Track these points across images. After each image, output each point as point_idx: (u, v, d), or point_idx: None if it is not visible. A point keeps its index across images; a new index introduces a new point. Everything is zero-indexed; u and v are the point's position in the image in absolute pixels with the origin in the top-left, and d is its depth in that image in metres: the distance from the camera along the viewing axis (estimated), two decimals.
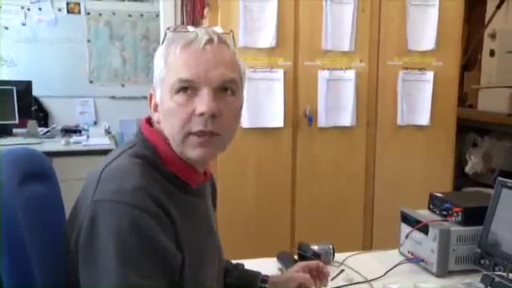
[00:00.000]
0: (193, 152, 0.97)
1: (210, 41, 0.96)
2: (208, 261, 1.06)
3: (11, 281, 0.89)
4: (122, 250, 0.84)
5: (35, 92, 4.26)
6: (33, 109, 4.20)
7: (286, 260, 1.52)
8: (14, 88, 3.92)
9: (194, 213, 1.04)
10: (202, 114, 0.94)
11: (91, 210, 0.88)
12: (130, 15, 4.86)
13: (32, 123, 3.99)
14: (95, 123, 4.72)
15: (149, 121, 1.05)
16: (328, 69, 2.61)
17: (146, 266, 0.85)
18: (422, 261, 1.50)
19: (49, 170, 1.15)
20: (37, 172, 1.10)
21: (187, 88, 0.95)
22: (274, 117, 2.56)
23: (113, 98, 4.89)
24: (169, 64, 0.97)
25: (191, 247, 0.97)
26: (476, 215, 1.44)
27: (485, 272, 1.35)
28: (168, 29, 1.01)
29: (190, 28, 1.00)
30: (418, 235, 1.53)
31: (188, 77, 0.94)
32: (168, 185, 0.97)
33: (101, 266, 0.85)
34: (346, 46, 2.63)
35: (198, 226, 1.04)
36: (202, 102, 0.94)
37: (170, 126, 0.97)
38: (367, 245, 2.76)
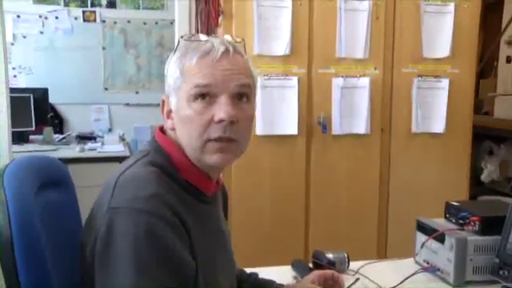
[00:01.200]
0: (211, 158, 0.98)
1: (226, 51, 0.97)
2: (221, 270, 1.06)
3: (29, 285, 0.90)
4: (137, 256, 0.85)
5: (51, 99, 4.31)
6: (49, 116, 4.25)
7: (300, 268, 1.52)
8: (31, 95, 3.97)
9: (208, 221, 1.04)
10: (220, 121, 0.95)
11: (108, 217, 0.88)
12: (144, 23, 4.90)
13: (48, 130, 4.04)
14: (110, 130, 4.76)
15: (162, 129, 1.06)
16: (342, 76, 2.61)
17: (160, 273, 0.86)
18: (439, 270, 1.48)
19: (67, 178, 1.16)
20: (55, 180, 1.11)
21: (205, 95, 0.96)
22: (288, 124, 2.56)
23: (127, 105, 4.92)
24: (185, 73, 0.98)
25: (205, 256, 0.97)
26: (494, 224, 1.41)
27: (504, 283, 1.32)
28: (181, 37, 1.02)
29: (204, 37, 1.01)
30: (434, 244, 1.51)
31: (205, 82, 0.95)
32: (182, 193, 0.97)
33: (116, 272, 0.85)
34: (360, 53, 2.62)
35: (212, 235, 1.05)
36: (221, 109, 0.95)
37: (187, 133, 0.98)
38: (382, 253, 2.74)
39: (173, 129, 1.02)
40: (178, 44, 1.02)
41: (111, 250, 0.87)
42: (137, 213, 0.87)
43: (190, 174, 1.00)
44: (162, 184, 0.93)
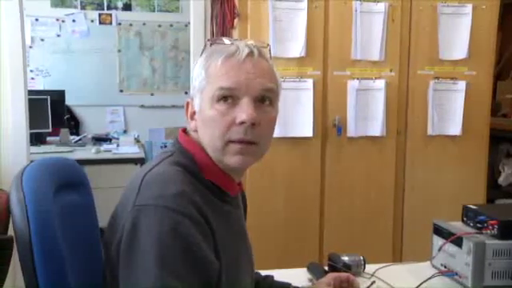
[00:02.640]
0: (232, 159, 0.99)
1: (250, 53, 0.98)
2: (243, 270, 1.07)
3: (47, 284, 0.91)
4: (161, 253, 0.85)
5: (67, 101, 4.37)
6: (65, 117, 4.30)
7: (316, 271, 1.51)
8: (48, 97, 4.03)
9: (231, 222, 1.05)
10: (242, 123, 0.96)
11: (133, 214, 0.89)
12: (159, 25, 4.94)
13: (64, 131, 4.08)
14: (125, 132, 4.79)
15: (186, 130, 1.07)
16: (357, 78, 2.60)
17: (183, 270, 0.86)
18: (456, 274, 1.46)
19: (84, 180, 1.18)
20: (72, 181, 1.13)
21: (228, 97, 0.97)
22: (303, 126, 2.55)
23: (142, 106, 4.96)
24: (209, 74, 0.99)
25: (228, 256, 0.97)
26: None
27: None
28: (208, 40, 1.05)
29: (229, 40, 1.02)
30: (451, 248, 1.49)
31: (229, 85, 0.96)
32: (207, 193, 0.98)
33: (140, 268, 0.86)
34: (375, 55, 2.61)
35: (234, 236, 1.05)
36: (243, 111, 0.96)
37: (209, 134, 0.99)
38: (397, 256, 2.72)
39: (196, 130, 1.03)
40: (204, 47, 1.04)
41: (136, 246, 0.87)
42: (162, 210, 0.87)
43: (214, 174, 1.01)
44: (188, 183, 0.94)
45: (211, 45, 1.04)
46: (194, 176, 0.98)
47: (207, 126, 0.99)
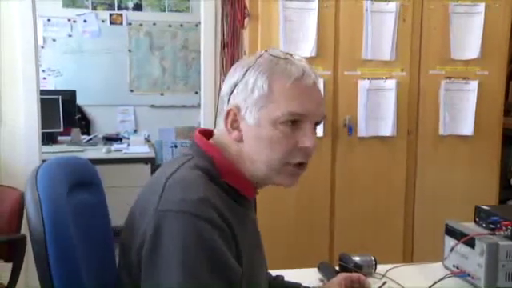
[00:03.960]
0: (286, 180, 1.01)
1: (317, 78, 1.01)
2: (260, 273, 1.07)
3: (61, 283, 0.92)
4: (184, 259, 0.85)
5: (78, 101, 4.40)
6: (76, 117, 4.33)
7: (327, 271, 1.51)
8: (60, 97, 4.06)
9: (248, 225, 1.05)
10: (306, 148, 0.98)
11: (156, 219, 0.89)
12: (169, 25, 4.96)
13: (76, 131, 4.11)
14: (135, 131, 4.82)
15: (202, 133, 1.06)
16: (368, 78, 2.59)
17: (207, 276, 0.86)
18: (469, 275, 1.45)
19: (96, 179, 1.18)
20: (85, 180, 1.13)
21: (294, 121, 0.97)
22: None
23: (152, 106, 4.98)
24: (274, 92, 0.97)
25: (248, 259, 0.98)
26: None
27: None
28: (266, 51, 1.02)
29: (283, 54, 1.01)
30: (463, 249, 1.48)
31: (300, 111, 0.97)
32: (226, 197, 0.98)
33: (163, 273, 0.86)
34: (386, 55, 2.60)
35: (252, 238, 1.05)
36: (307, 137, 0.98)
37: (267, 153, 0.98)
38: (407, 257, 2.71)
39: (239, 141, 1.00)
40: (259, 56, 1.01)
41: (159, 251, 0.87)
42: (185, 216, 0.87)
43: (235, 178, 1.01)
44: (209, 188, 0.94)
45: (271, 56, 1.00)
46: (214, 180, 0.97)
47: (264, 144, 0.98)
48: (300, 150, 0.98)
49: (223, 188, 0.98)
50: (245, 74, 0.99)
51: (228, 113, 1.01)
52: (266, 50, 1.02)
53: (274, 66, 0.98)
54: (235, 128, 1.00)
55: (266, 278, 1.15)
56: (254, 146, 0.99)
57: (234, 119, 1.00)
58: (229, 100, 1.01)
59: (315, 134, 1.01)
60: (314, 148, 0.98)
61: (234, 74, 1.01)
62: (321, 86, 2.50)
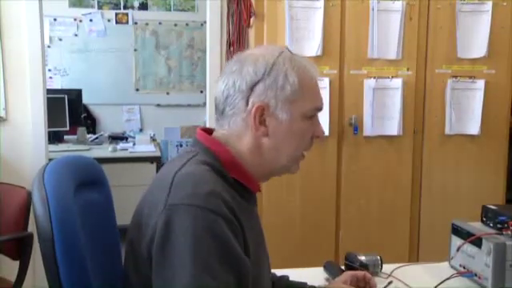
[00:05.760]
0: (296, 168, 1.09)
1: None
2: (264, 268, 1.08)
3: (69, 281, 0.92)
4: (195, 252, 0.86)
5: (84, 100, 4.42)
6: (82, 116, 4.34)
7: (333, 270, 1.50)
8: (66, 96, 4.08)
9: (253, 219, 1.06)
10: (319, 137, 1.09)
11: (166, 213, 0.89)
12: (175, 24, 4.96)
13: (81, 130, 4.13)
14: (141, 130, 4.83)
15: (205, 130, 1.07)
16: (374, 77, 2.58)
17: (218, 268, 0.86)
18: (475, 275, 1.45)
19: (102, 178, 1.18)
20: (92, 179, 1.14)
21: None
22: None
23: (158, 105, 4.99)
24: (305, 89, 1.03)
25: (254, 254, 0.98)
26: None
27: None
28: (286, 48, 1.08)
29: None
30: (470, 248, 1.47)
31: (320, 106, 1.07)
32: (233, 192, 0.99)
33: (175, 267, 0.86)
34: (392, 54, 2.59)
35: (257, 233, 1.06)
36: (319, 127, 1.08)
37: (295, 145, 1.05)
38: (413, 256, 2.70)
39: (266, 135, 1.02)
40: (281, 53, 1.03)
41: (170, 246, 0.87)
42: (195, 209, 0.88)
43: (240, 173, 1.02)
44: (217, 182, 0.95)
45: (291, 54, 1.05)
46: (220, 174, 0.98)
47: (295, 137, 1.04)
48: (312, 139, 1.07)
49: (229, 183, 0.99)
50: (270, 71, 1.00)
51: (256, 110, 1.00)
52: (286, 47, 1.08)
53: (297, 64, 1.03)
54: (261, 123, 1.02)
55: (269, 275, 1.15)
56: (282, 140, 1.03)
57: (260, 115, 1.01)
58: (248, 97, 1.00)
59: None
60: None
61: (243, 70, 1.01)
62: (326, 84, 2.53)
